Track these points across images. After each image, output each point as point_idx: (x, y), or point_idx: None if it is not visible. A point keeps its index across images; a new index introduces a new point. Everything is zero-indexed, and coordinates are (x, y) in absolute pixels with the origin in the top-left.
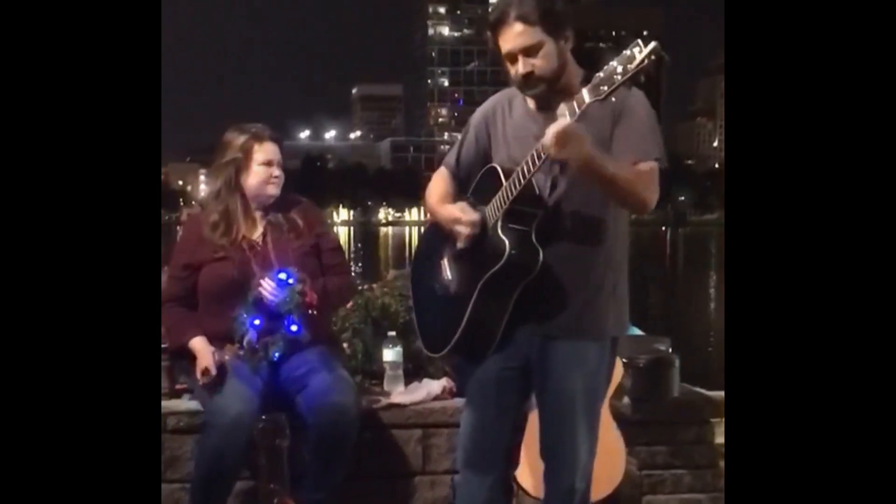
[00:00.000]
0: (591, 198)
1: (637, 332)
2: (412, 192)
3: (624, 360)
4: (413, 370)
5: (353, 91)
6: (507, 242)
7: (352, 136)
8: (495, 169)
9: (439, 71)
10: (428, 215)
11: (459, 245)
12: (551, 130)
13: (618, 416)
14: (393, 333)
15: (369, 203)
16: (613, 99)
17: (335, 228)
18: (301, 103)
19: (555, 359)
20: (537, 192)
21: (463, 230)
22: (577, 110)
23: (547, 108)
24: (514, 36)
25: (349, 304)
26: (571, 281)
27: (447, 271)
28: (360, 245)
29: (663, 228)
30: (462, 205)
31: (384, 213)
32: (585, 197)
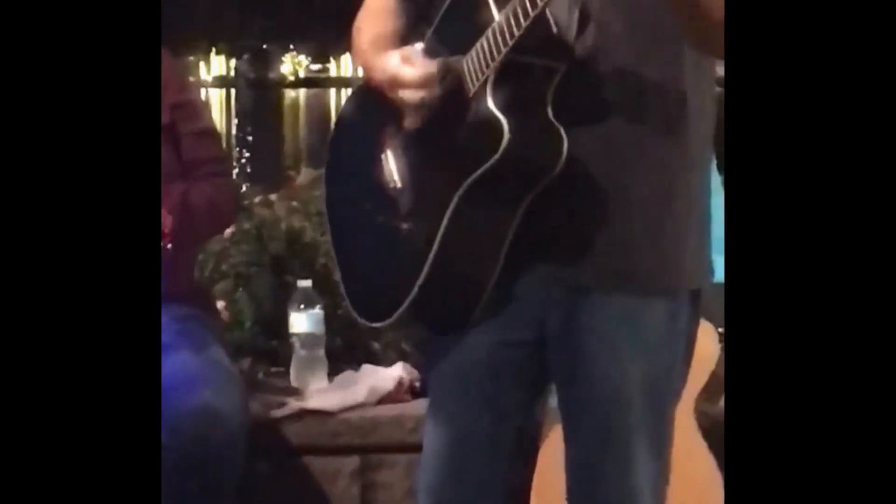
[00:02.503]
0: (650, 42)
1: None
2: (340, 28)
3: (720, 329)
4: (345, 349)
5: None
6: (503, 121)
7: None
8: None
9: None
10: (359, 70)
11: (408, 124)
12: None
13: (711, 430)
14: (307, 283)
15: (265, 45)
16: None
17: (204, 92)
18: None
19: (590, 327)
20: (555, 29)
21: (409, 95)
22: None
23: None
24: None
25: (229, 231)
26: (617, 191)
27: (393, 175)
28: (248, 122)
29: None
30: (408, 50)
31: (291, 64)
32: (641, 40)
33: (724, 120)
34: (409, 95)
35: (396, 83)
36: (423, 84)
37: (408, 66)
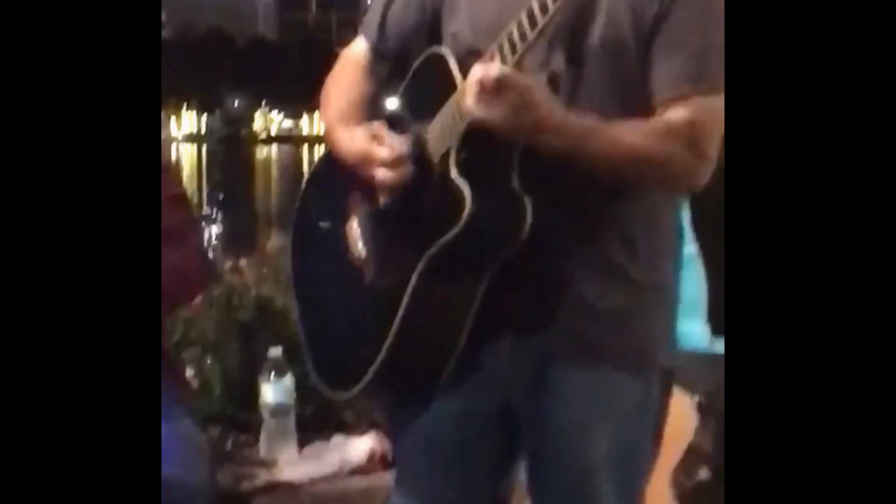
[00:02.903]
0: (616, 108)
1: (720, 345)
2: (312, 85)
3: (698, 398)
4: (316, 418)
5: None
6: (466, 190)
7: None
8: (442, 58)
9: None
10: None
11: (382, 202)
12: (472, 76)
13: (687, 498)
14: (277, 351)
15: (237, 102)
16: None
17: (174, 148)
18: None
19: (558, 398)
20: None
21: (383, 175)
22: None
23: None
24: None
25: (197, 299)
26: (584, 258)
27: (358, 243)
28: (219, 180)
29: None
30: (377, 127)
31: (263, 120)
32: (607, 106)
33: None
34: (382, 175)
35: (368, 162)
36: (395, 164)
37: (378, 144)
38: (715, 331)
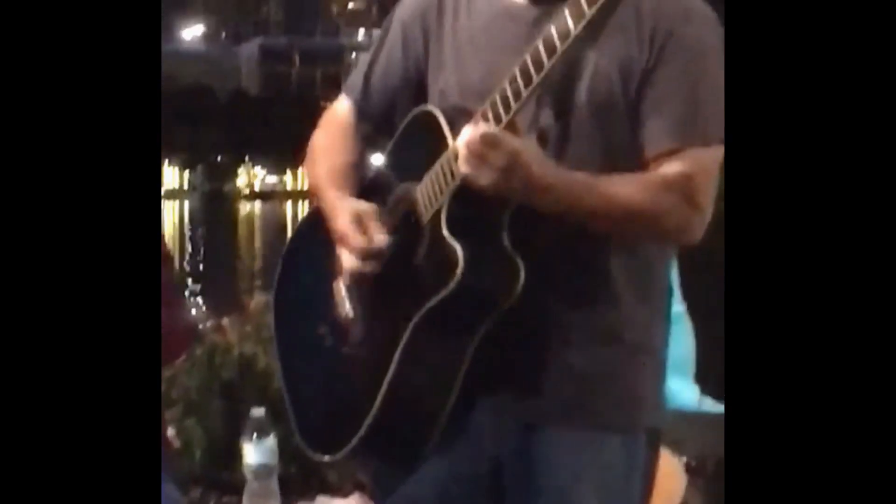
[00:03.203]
0: (605, 164)
1: (709, 405)
2: (296, 140)
3: (688, 460)
4: (299, 479)
5: None
6: (458, 250)
7: (188, 33)
8: (432, 116)
9: None
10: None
11: (344, 282)
12: (462, 138)
13: None
14: (260, 411)
15: (219, 158)
16: None
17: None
18: None
19: (544, 462)
20: None
21: (349, 262)
22: (584, 11)
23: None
24: None
25: (181, 358)
26: (573, 322)
27: (345, 301)
28: (201, 236)
29: None
30: (364, 210)
31: (247, 176)
32: (596, 163)
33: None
34: (348, 262)
35: (343, 243)
36: (367, 256)
37: (358, 232)
38: (703, 390)
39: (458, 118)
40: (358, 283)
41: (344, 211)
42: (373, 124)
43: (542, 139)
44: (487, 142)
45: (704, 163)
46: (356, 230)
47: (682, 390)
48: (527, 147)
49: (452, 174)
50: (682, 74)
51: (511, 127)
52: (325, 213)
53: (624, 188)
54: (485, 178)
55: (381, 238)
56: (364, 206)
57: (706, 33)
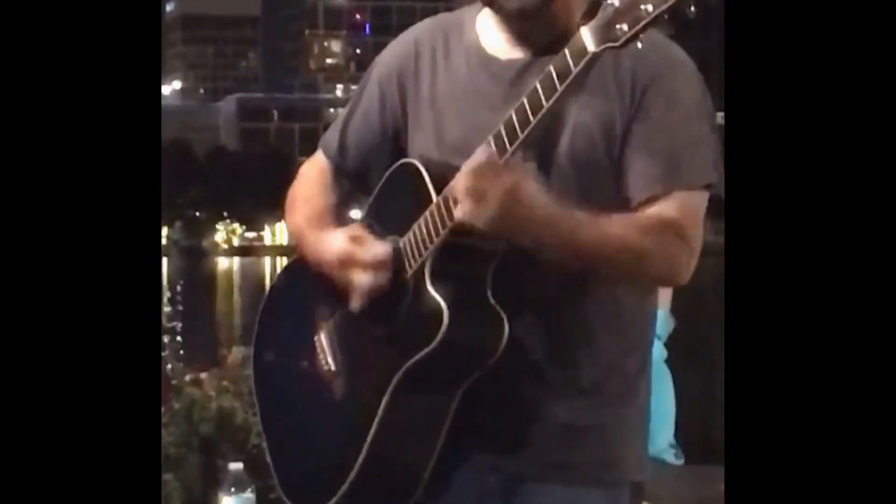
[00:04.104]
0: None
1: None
2: (275, 195)
3: None
4: None
5: (169, 6)
6: (442, 305)
7: (166, 88)
8: (415, 169)
9: None
10: (294, 242)
11: (354, 306)
12: (464, 171)
13: None
14: (239, 466)
15: (198, 213)
16: (640, 45)
17: None
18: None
19: None
20: None
21: (360, 277)
22: (570, 67)
23: (519, 53)
24: None
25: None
26: (555, 375)
27: (327, 358)
28: (180, 292)
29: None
30: (357, 230)
31: (225, 232)
32: (586, 208)
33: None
34: (359, 278)
35: (348, 263)
36: (374, 266)
37: (359, 246)
38: (677, 440)
39: (439, 174)
40: (348, 326)
41: (334, 239)
42: (349, 181)
43: None
44: (490, 169)
45: (691, 206)
46: (356, 246)
47: (664, 444)
48: (525, 178)
49: (437, 228)
50: (662, 124)
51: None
52: (311, 254)
53: (619, 226)
54: (484, 216)
55: (382, 246)
56: (353, 226)
57: (684, 82)
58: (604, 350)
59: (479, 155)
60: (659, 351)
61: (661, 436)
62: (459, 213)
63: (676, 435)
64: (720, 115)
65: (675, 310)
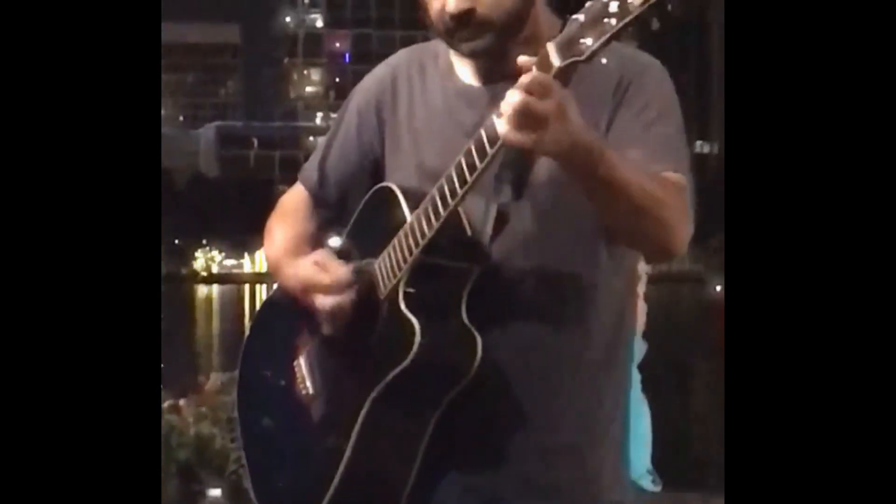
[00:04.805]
0: (568, 239)
1: (649, 485)
2: (254, 223)
3: None
4: None
5: None
6: (415, 324)
7: None
8: (391, 192)
9: (307, 0)
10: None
11: (326, 331)
12: (512, 97)
13: None
14: (217, 492)
15: (177, 241)
16: (605, 61)
17: None
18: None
19: None
20: (469, 232)
21: (326, 302)
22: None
23: (492, 80)
24: None
25: None
26: (533, 395)
27: (306, 381)
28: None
29: (717, 289)
30: (321, 255)
31: (204, 260)
32: (559, 238)
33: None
34: (322, 301)
35: (310, 289)
36: (335, 290)
37: (321, 271)
38: (653, 465)
39: (416, 199)
40: (325, 350)
41: (300, 265)
42: (329, 210)
43: (503, 216)
44: (537, 87)
45: (682, 183)
46: (318, 271)
47: (641, 465)
48: (570, 100)
49: (410, 249)
50: (642, 116)
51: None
52: (284, 282)
53: (642, 173)
54: (532, 138)
55: (344, 270)
56: (318, 252)
57: (661, 81)
58: (582, 370)
59: (527, 77)
60: (634, 376)
61: (638, 461)
62: (506, 130)
63: (653, 460)
64: (697, 144)
65: (650, 334)
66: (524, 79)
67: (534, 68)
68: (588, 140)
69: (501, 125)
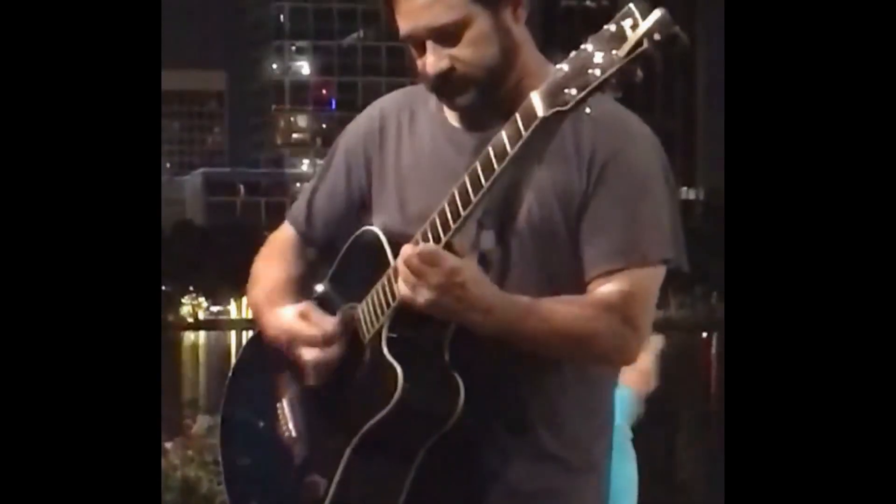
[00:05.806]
0: (549, 284)
1: None
2: (241, 269)
3: None
4: None
5: None
6: (398, 369)
7: None
8: (375, 235)
9: (293, 47)
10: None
11: (309, 382)
12: (402, 255)
13: None
14: None
15: (164, 287)
16: (589, 110)
17: None
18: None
19: None
20: None
21: (307, 354)
22: (521, 132)
23: (481, 127)
24: (417, 8)
25: None
26: (514, 441)
27: (289, 424)
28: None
29: (704, 335)
30: (305, 307)
31: (191, 306)
32: (539, 283)
33: None
34: (308, 355)
35: (293, 340)
36: (320, 343)
37: (304, 322)
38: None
39: (400, 243)
40: (308, 396)
41: (283, 316)
42: (316, 250)
43: (484, 262)
44: (425, 259)
45: (644, 283)
46: (302, 324)
47: None
48: (466, 266)
49: (393, 294)
50: (621, 197)
51: (450, 249)
52: (265, 331)
53: (563, 311)
54: (422, 297)
55: (329, 322)
56: (304, 304)
57: (644, 155)
58: (563, 416)
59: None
60: (624, 431)
61: None
62: (400, 291)
63: None
64: (683, 190)
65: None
66: (417, 248)
67: (422, 242)
68: (492, 302)
69: (400, 281)
